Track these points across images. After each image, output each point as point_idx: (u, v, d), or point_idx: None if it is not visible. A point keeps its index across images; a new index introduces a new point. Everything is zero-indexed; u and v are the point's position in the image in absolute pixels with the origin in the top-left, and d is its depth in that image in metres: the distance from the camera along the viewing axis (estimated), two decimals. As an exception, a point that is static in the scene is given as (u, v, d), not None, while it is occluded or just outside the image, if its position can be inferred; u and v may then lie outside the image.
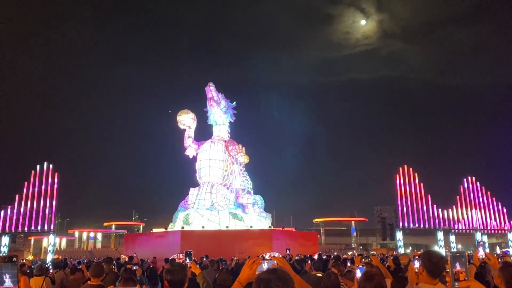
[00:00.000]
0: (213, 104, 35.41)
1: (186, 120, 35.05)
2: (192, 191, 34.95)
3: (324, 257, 19.85)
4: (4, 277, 2.70)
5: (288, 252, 23.12)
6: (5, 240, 41.05)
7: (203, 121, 36.88)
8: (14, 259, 2.79)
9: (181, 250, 24.58)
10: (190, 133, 35.40)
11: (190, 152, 35.47)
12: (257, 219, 34.68)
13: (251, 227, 33.47)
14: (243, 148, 36.24)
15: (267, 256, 15.67)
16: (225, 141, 35.53)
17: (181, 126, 35.23)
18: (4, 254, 39.66)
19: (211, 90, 35.23)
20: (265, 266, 3.27)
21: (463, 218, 48.61)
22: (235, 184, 36.49)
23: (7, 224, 41.89)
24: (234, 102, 37.25)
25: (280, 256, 18.16)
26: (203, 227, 32.29)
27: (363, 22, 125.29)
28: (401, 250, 45.15)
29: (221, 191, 33.48)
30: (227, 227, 32.86)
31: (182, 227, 32.41)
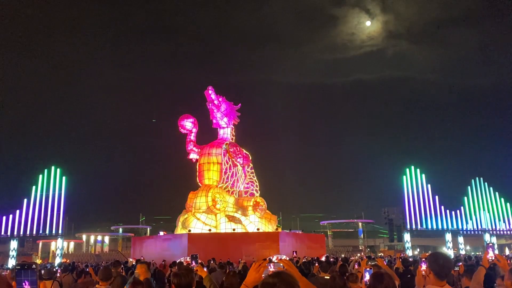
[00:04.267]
0: (213, 108, 35.50)
1: (187, 125, 35.11)
2: (191, 195, 34.97)
3: (331, 259, 19.77)
4: (24, 284, 2.70)
5: (295, 254, 23.09)
6: (14, 244, 41.41)
7: (210, 125, 36.96)
8: (34, 266, 2.79)
9: (188, 253, 24.63)
10: (191, 137, 35.47)
11: (193, 156, 35.60)
12: (258, 221, 34.46)
13: (258, 229, 33.40)
14: (242, 149, 36.24)
15: (274, 259, 15.66)
16: (227, 144, 35.48)
17: (182, 131, 35.32)
18: (13, 258, 40.06)
19: (210, 94, 35.33)
20: (271, 269, 3.27)
21: (471, 219, 48.27)
22: (238, 186, 36.42)
23: (16, 228, 42.29)
24: (239, 104, 37.29)
25: (287, 258, 18.08)
26: (209, 230, 32.30)
27: (368, 23, 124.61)
28: (409, 252, 44.91)
29: (218, 194, 33.36)
30: (233, 229, 32.82)
31: (189, 230, 32.45)
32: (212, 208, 32.88)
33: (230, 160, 35.39)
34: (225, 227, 33.04)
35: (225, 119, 36.25)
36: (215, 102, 35.38)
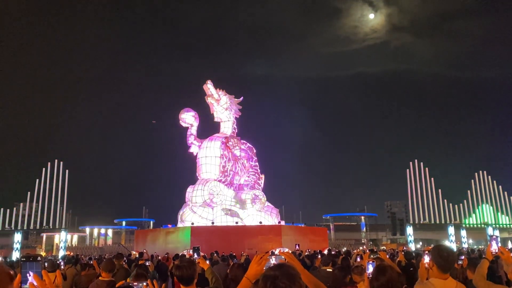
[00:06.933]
0: (212, 102, 35.36)
1: (188, 118, 35.04)
2: (189, 189, 35.03)
3: (333, 252, 19.80)
4: (28, 274, 2.69)
5: (297, 247, 23.13)
6: (18, 237, 41.62)
7: (213, 118, 36.89)
8: (39, 258, 2.78)
9: (191, 246, 24.72)
10: (192, 130, 35.45)
11: (193, 149, 35.60)
12: (257, 214, 34.40)
13: (260, 222, 33.44)
14: (239, 141, 36.15)
15: (276, 252, 15.69)
16: (226, 137, 35.41)
17: (183, 124, 35.29)
18: (17, 251, 40.33)
19: (209, 88, 35.17)
20: (273, 261, 3.25)
21: (474, 212, 48.23)
22: (238, 180, 36.33)
23: (20, 221, 42.53)
24: (241, 98, 37.15)
25: (290, 251, 18.11)
26: (212, 223, 32.37)
27: (371, 15, 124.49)
28: (412, 245, 44.96)
29: (215, 188, 33.30)
30: (236, 222, 32.87)
31: (192, 223, 32.55)
32: (209, 201, 32.88)
33: (230, 153, 35.30)
34: (221, 220, 33.09)
35: (226, 113, 36.14)
36: (215, 96, 35.25)
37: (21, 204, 43.37)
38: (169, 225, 36.95)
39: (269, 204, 36.59)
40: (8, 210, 42.29)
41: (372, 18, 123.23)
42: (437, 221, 46.80)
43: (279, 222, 35.66)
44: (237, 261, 15.66)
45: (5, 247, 50.52)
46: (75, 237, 79.05)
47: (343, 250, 28.98)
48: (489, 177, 49.48)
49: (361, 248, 41.47)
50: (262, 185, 37.74)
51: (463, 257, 9.44)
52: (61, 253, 40.40)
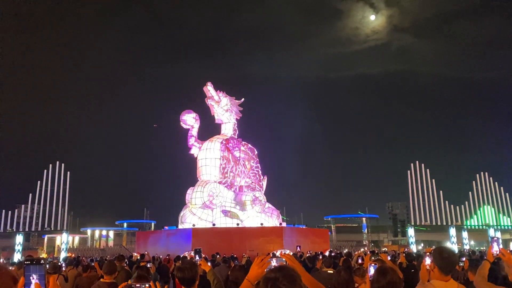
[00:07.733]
0: (212, 104, 35.39)
1: (188, 120, 35.06)
2: (189, 191, 35.02)
3: (333, 254, 19.78)
4: (31, 278, 2.70)
5: (298, 249, 23.15)
6: (19, 238, 41.68)
7: (213, 120, 36.91)
8: (42, 261, 2.78)
9: (193, 248, 24.71)
10: (193, 132, 35.47)
11: (194, 151, 35.60)
12: (257, 215, 34.34)
13: (261, 224, 33.40)
14: (239, 143, 36.12)
15: (277, 254, 15.66)
16: (226, 139, 35.40)
17: (184, 126, 35.31)
18: (19, 252, 40.41)
19: (209, 90, 35.21)
20: (274, 263, 3.26)
21: (475, 214, 48.18)
22: (239, 181, 36.30)
23: (21, 223, 42.64)
24: (242, 99, 37.16)
25: (291, 253, 18.09)
26: (213, 224, 32.36)
27: (372, 17, 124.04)
28: (413, 247, 44.90)
29: (214, 189, 33.26)
30: (237, 224, 32.82)
31: (193, 225, 32.52)
32: (208, 203, 32.87)
33: (230, 154, 35.28)
34: (220, 222, 33.06)
35: (226, 114, 36.16)
36: (215, 98, 35.28)
37: (23, 206, 43.48)
38: (166, 227, 36.93)
39: (270, 205, 36.52)
40: (9, 212, 42.40)
41: (373, 20, 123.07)
42: (439, 223, 46.74)
43: (280, 224, 35.61)
44: (238, 262, 15.66)
45: (7, 249, 50.48)
46: (77, 238, 78.97)
47: (344, 251, 29.02)
48: (491, 178, 49.44)
49: (362, 249, 41.40)
50: (264, 186, 37.65)
51: (464, 259, 9.43)
52: (63, 254, 40.43)
